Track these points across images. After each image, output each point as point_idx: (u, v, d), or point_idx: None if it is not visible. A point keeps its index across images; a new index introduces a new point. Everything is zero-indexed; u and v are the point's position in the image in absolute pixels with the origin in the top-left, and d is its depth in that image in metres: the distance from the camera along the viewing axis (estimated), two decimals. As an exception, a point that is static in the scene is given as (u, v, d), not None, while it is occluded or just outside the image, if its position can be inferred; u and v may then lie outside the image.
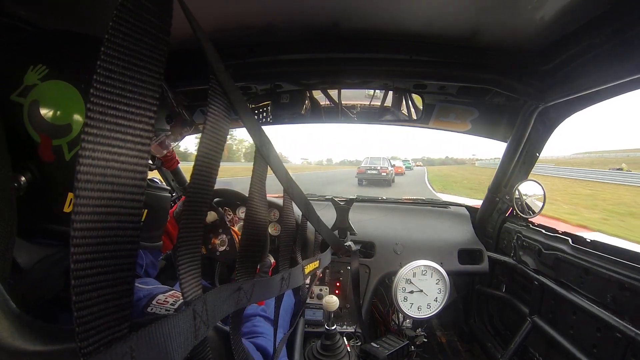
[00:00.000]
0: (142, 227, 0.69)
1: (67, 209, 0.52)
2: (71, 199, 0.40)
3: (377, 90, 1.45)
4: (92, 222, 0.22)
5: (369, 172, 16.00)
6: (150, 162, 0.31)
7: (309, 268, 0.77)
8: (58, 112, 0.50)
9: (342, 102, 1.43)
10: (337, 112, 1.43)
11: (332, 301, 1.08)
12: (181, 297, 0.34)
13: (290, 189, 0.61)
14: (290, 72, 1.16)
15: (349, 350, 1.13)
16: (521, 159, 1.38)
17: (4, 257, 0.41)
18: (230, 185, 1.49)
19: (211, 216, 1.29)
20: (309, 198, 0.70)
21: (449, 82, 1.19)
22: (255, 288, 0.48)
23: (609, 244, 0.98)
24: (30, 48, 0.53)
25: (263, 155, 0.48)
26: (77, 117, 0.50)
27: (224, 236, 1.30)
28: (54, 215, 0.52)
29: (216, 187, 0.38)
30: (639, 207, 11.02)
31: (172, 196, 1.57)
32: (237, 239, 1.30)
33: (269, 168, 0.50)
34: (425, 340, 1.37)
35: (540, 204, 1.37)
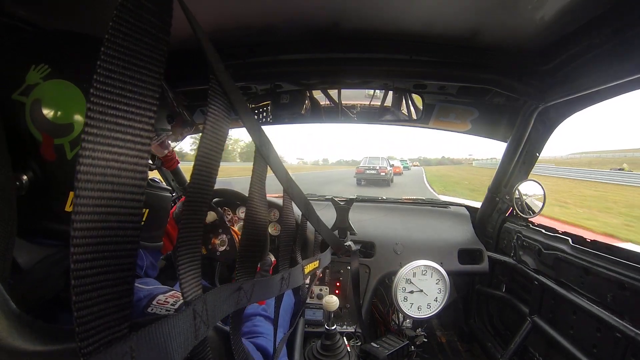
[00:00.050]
0: (143, 227, 0.69)
1: (68, 208, 0.52)
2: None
3: (377, 90, 1.45)
4: (92, 222, 0.22)
5: (367, 172, 15.94)
6: (150, 162, 0.31)
7: (308, 268, 0.77)
8: (60, 111, 0.50)
9: (342, 102, 1.43)
10: (337, 112, 1.43)
11: (332, 301, 1.08)
12: (181, 297, 0.34)
13: (290, 189, 0.61)
14: (290, 72, 1.16)
15: (349, 350, 1.13)
16: (521, 159, 1.38)
17: (4, 257, 0.41)
18: (230, 185, 1.49)
19: (211, 216, 1.29)
20: (308, 198, 0.70)
21: (449, 82, 1.20)
22: (255, 288, 0.48)
23: (608, 244, 0.98)
24: (32, 47, 0.53)
25: (263, 155, 0.48)
26: (79, 117, 0.50)
27: (224, 236, 1.30)
28: (55, 214, 0.52)
29: (216, 187, 0.38)
30: (656, 210, 10.74)
31: (172, 196, 1.57)
32: (237, 239, 1.30)
33: (268, 168, 0.50)
34: (425, 340, 1.37)
35: (540, 204, 1.37)
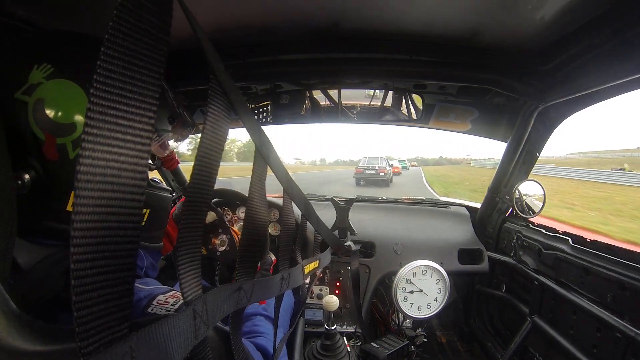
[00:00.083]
0: (144, 227, 0.69)
1: (69, 207, 0.52)
2: None
3: (377, 90, 1.45)
4: (92, 222, 0.22)
5: (366, 172, 15.86)
6: (150, 162, 0.31)
7: (308, 268, 0.77)
8: (62, 111, 0.50)
9: (342, 102, 1.43)
10: (337, 112, 1.43)
11: (332, 301, 1.08)
12: (181, 298, 0.34)
13: (290, 189, 0.61)
14: (290, 72, 1.16)
15: (349, 350, 1.13)
16: (521, 159, 1.38)
17: (4, 257, 0.41)
18: (230, 185, 1.49)
19: (210, 216, 1.29)
20: (308, 198, 0.70)
21: (449, 82, 1.20)
22: (255, 288, 0.48)
23: (608, 244, 0.98)
24: (35, 47, 0.53)
25: (263, 155, 0.48)
26: (81, 117, 0.51)
27: (224, 236, 1.30)
28: (57, 214, 0.52)
29: (216, 187, 0.38)
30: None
31: (173, 196, 1.57)
32: (237, 239, 1.30)
33: (268, 168, 0.50)
34: (425, 340, 1.37)
35: (540, 204, 1.37)
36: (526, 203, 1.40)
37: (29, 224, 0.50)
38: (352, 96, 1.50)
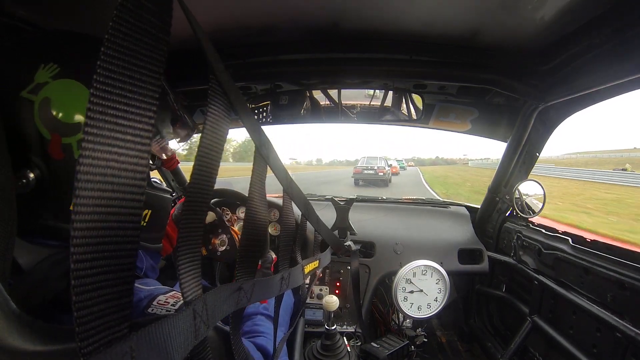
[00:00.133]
0: (145, 228, 0.69)
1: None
2: None
3: (377, 90, 1.45)
4: (92, 222, 0.22)
5: (365, 172, 15.75)
6: (150, 162, 0.31)
7: (308, 268, 0.77)
8: (68, 111, 0.50)
9: (342, 102, 1.43)
10: (337, 112, 1.43)
11: (332, 301, 1.08)
12: (182, 298, 0.34)
13: (290, 189, 0.61)
14: (290, 72, 1.16)
15: (349, 350, 1.13)
16: (521, 159, 1.38)
17: (4, 257, 0.41)
18: (229, 185, 1.49)
19: (209, 217, 1.29)
20: (308, 198, 0.70)
21: (449, 82, 1.20)
22: (256, 288, 0.48)
23: (608, 244, 0.98)
24: (42, 47, 0.53)
25: (263, 155, 0.48)
26: None
27: (224, 236, 1.30)
28: (61, 213, 0.52)
29: (216, 187, 0.38)
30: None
31: (173, 196, 1.57)
32: (237, 238, 1.30)
33: (268, 168, 0.50)
34: (425, 340, 1.38)
35: (540, 204, 1.37)
36: (526, 203, 1.40)
37: (29, 224, 0.50)
38: (352, 96, 1.50)
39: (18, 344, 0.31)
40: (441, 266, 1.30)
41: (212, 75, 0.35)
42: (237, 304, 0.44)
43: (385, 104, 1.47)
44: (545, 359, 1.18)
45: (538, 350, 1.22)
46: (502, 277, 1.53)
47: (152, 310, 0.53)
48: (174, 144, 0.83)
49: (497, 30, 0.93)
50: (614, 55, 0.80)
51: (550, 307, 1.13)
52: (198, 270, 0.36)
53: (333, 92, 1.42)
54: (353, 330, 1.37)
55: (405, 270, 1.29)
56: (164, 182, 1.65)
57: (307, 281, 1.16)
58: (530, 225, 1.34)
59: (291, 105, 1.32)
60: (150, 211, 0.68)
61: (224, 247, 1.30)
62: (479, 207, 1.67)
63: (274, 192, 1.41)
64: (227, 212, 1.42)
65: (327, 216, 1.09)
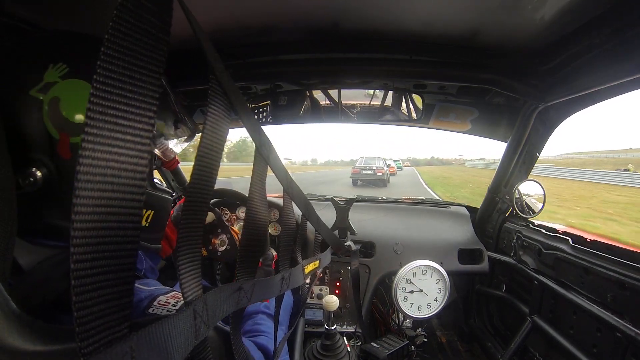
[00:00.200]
0: (147, 229, 0.69)
1: None
2: None
3: (377, 90, 1.45)
4: (92, 222, 0.22)
5: (363, 172, 15.57)
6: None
7: (309, 268, 0.77)
8: (77, 111, 0.51)
9: (342, 102, 1.43)
10: (337, 112, 1.43)
11: (332, 301, 1.08)
12: (182, 298, 0.34)
13: (290, 189, 0.61)
14: (290, 72, 1.16)
15: (349, 350, 1.12)
16: (521, 159, 1.38)
17: (4, 257, 0.41)
18: (229, 185, 1.49)
19: (208, 217, 1.29)
20: (309, 198, 0.70)
21: (449, 82, 1.20)
22: (256, 288, 0.48)
23: (608, 244, 0.98)
24: (51, 46, 0.54)
25: (263, 155, 0.48)
26: None
27: (224, 236, 1.30)
28: (67, 212, 0.52)
29: (216, 187, 0.38)
30: None
31: (173, 197, 1.57)
32: (237, 238, 1.30)
33: (268, 168, 0.50)
34: (425, 340, 1.37)
35: (540, 204, 1.37)
36: (526, 203, 1.40)
37: (31, 223, 0.50)
38: (352, 96, 1.50)
39: (18, 344, 0.31)
40: (441, 266, 1.30)
41: (212, 75, 0.35)
42: (238, 304, 0.44)
43: (385, 104, 1.47)
44: (545, 359, 1.18)
45: (538, 350, 1.22)
46: (502, 277, 1.53)
47: (153, 310, 0.53)
48: (175, 146, 0.84)
49: (497, 30, 0.93)
50: (614, 55, 0.80)
51: (550, 307, 1.13)
52: (198, 270, 0.36)
53: (333, 92, 1.42)
54: (353, 330, 1.37)
55: (405, 270, 1.29)
56: (164, 182, 1.65)
57: (308, 281, 1.16)
58: (530, 225, 1.34)
59: (291, 105, 1.32)
60: (152, 212, 0.68)
61: (224, 247, 1.30)
62: (479, 207, 1.67)
63: (274, 192, 1.41)
64: (226, 212, 1.42)
65: (327, 216, 1.09)
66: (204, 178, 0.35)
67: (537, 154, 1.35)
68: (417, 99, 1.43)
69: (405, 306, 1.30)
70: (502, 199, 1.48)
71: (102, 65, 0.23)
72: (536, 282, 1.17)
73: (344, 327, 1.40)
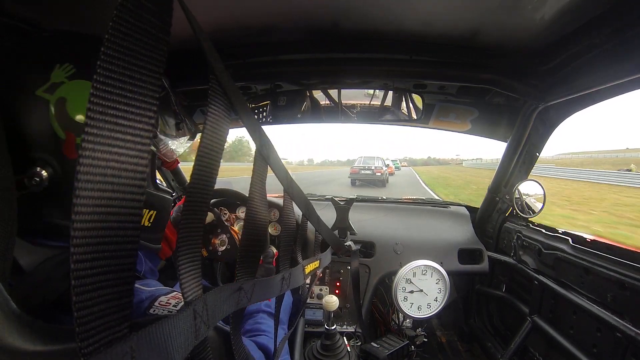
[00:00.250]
0: (150, 229, 0.69)
1: None
2: None
3: (377, 90, 1.45)
4: (92, 222, 0.22)
5: (362, 172, 15.46)
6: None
7: (309, 268, 0.76)
8: (83, 111, 0.51)
9: (342, 102, 1.43)
10: (337, 112, 1.43)
11: (332, 301, 1.08)
12: (182, 298, 0.34)
13: (291, 189, 0.61)
14: (290, 72, 1.16)
15: (349, 350, 1.13)
16: (521, 159, 1.38)
17: (4, 257, 0.41)
18: (229, 185, 1.49)
19: (208, 217, 1.29)
20: (309, 198, 0.70)
21: (449, 82, 1.20)
22: (256, 288, 0.48)
23: (608, 244, 0.98)
24: (55, 47, 0.54)
25: (263, 155, 0.48)
26: None
27: (224, 236, 1.30)
28: (68, 212, 0.52)
29: (216, 187, 0.38)
30: None
31: (173, 197, 1.57)
32: (237, 237, 1.30)
33: (269, 168, 0.50)
34: (425, 340, 1.37)
35: (540, 204, 1.37)
36: (526, 203, 1.40)
37: (32, 223, 0.50)
38: (352, 96, 1.50)
39: (18, 344, 0.31)
40: (441, 266, 1.30)
41: (212, 75, 0.35)
42: (238, 304, 0.44)
43: (385, 104, 1.47)
44: (545, 359, 1.18)
45: (538, 350, 1.22)
46: (502, 277, 1.53)
47: (154, 311, 0.53)
48: (177, 147, 0.84)
49: (497, 30, 0.93)
50: (614, 55, 0.80)
51: (550, 307, 1.13)
52: (198, 270, 0.36)
53: (333, 92, 1.42)
54: (353, 330, 1.37)
55: (405, 270, 1.29)
56: (164, 182, 1.65)
57: (308, 281, 1.16)
58: (530, 225, 1.34)
59: (291, 105, 1.32)
60: (155, 212, 0.68)
61: (224, 247, 1.30)
62: (479, 207, 1.67)
63: (274, 192, 1.41)
64: (225, 212, 1.42)
65: (327, 216, 1.09)
66: (204, 178, 0.35)
67: (537, 154, 1.35)
68: (417, 99, 1.43)
69: (405, 306, 1.30)
70: (502, 199, 1.48)
71: (102, 65, 0.23)
72: (536, 282, 1.17)
73: (344, 327, 1.40)
